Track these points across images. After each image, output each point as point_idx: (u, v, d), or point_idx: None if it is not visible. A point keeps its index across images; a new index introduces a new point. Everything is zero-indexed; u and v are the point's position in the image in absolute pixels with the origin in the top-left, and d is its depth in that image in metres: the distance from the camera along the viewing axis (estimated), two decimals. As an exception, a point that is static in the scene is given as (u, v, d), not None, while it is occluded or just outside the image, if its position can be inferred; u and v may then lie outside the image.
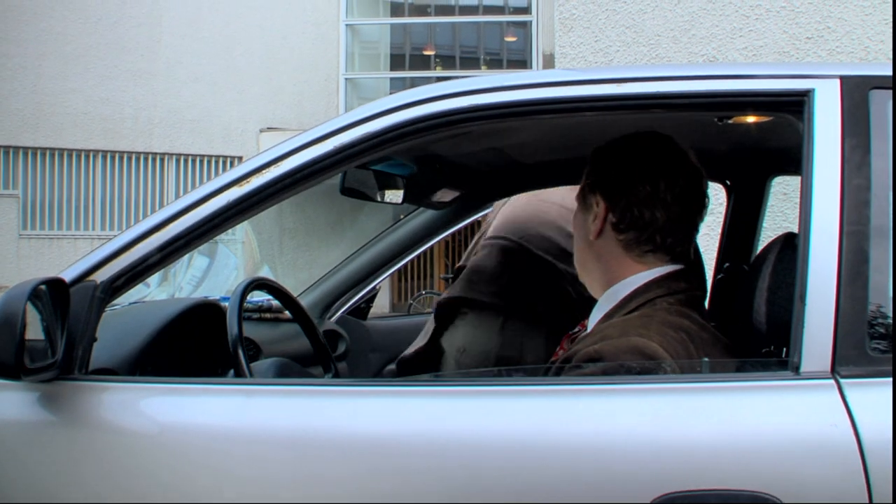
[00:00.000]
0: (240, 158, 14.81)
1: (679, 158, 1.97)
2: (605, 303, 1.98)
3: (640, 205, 1.93)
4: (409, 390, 1.78)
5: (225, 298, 2.83)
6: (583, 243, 2.05)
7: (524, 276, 2.82)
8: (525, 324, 2.77)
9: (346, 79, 15.26)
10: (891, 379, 1.56)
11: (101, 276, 1.81)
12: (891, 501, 1.47)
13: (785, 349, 1.72)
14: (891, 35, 5.01)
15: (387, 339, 3.56)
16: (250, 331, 2.92)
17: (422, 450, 1.62)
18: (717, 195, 4.22)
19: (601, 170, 2.01)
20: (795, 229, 1.82)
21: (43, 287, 1.72)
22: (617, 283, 1.97)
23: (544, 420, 1.62)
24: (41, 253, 14.79)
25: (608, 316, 1.95)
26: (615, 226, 1.96)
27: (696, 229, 2.01)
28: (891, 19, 4.92)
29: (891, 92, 1.71)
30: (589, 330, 1.98)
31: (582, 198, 2.06)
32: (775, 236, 2.00)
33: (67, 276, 1.80)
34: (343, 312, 3.44)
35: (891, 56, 4.90)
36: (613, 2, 5.37)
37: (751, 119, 2.04)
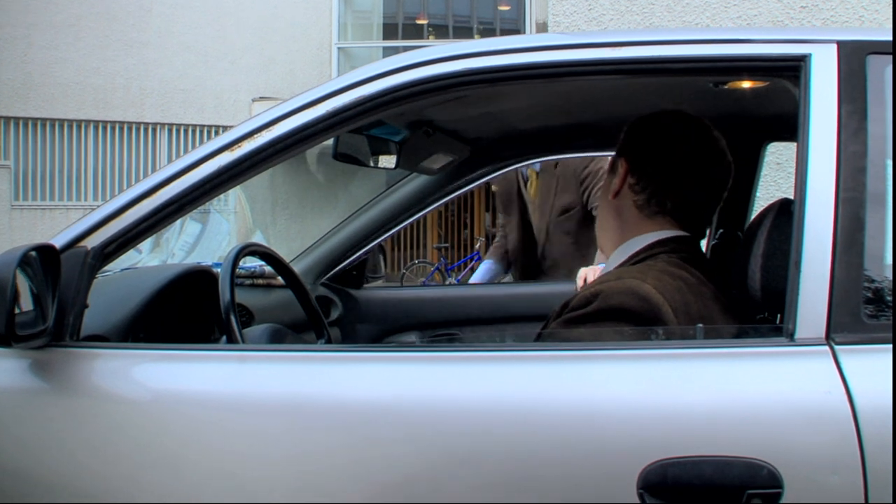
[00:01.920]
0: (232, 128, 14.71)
1: (703, 140, 2.04)
2: (615, 259, 2.06)
3: (657, 172, 2.02)
4: (403, 356, 1.78)
5: (217, 264, 2.83)
6: (604, 202, 2.15)
7: None
8: None
9: (338, 48, 15.18)
10: (886, 346, 1.56)
11: (92, 242, 1.80)
12: (888, 469, 1.47)
13: (779, 315, 1.71)
14: (886, 4, 4.99)
15: (377, 310, 3.52)
16: (243, 297, 2.91)
17: (416, 416, 1.61)
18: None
19: (630, 138, 2.11)
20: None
21: (33, 254, 1.71)
22: (628, 241, 2.05)
23: (538, 385, 1.62)
24: (33, 224, 14.74)
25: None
26: (632, 186, 2.05)
27: (710, 208, 2.09)
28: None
29: (889, 57, 1.70)
30: None
31: (612, 163, 2.15)
32: (769, 203, 2.00)
33: (58, 242, 1.79)
34: (327, 278, 3.40)
35: (886, 24, 4.89)
36: (607, -30, 5.35)
37: (746, 84, 2.03)
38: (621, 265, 2.01)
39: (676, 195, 2.02)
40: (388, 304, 3.56)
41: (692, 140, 2.04)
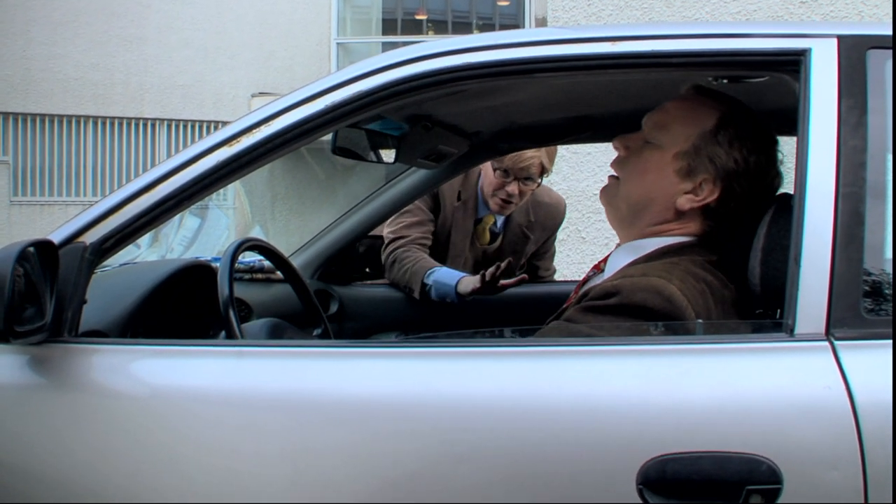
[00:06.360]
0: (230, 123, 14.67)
1: (770, 137, 1.99)
2: (631, 251, 1.96)
3: (740, 186, 1.93)
4: (402, 351, 1.77)
5: (216, 259, 2.82)
6: (649, 195, 1.98)
7: None
8: None
9: (337, 43, 15.17)
10: (885, 341, 1.55)
11: (90, 237, 1.79)
12: (887, 464, 1.47)
13: (779, 310, 1.71)
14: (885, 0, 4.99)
15: (360, 309, 3.48)
16: (242, 291, 2.91)
17: (415, 412, 1.61)
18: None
19: (717, 154, 1.93)
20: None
21: (31, 249, 1.71)
22: (650, 238, 1.95)
23: (536, 381, 1.61)
24: (32, 219, 14.74)
25: (633, 264, 1.92)
26: (708, 207, 1.94)
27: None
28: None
29: (889, 52, 1.70)
30: (609, 273, 1.95)
31: (687, 165, 1.95)
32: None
33: (56, 238, 1.79)
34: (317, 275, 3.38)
35: (886, 19, 4.88)
36: (607, -35, 5.35)
37: (746, 79, 2.03)
38: (640, 259, 1.92)
39: (739, 199, 1.93)
40: (372, 303, 3.51)
41: (765, 142, 1.97)
